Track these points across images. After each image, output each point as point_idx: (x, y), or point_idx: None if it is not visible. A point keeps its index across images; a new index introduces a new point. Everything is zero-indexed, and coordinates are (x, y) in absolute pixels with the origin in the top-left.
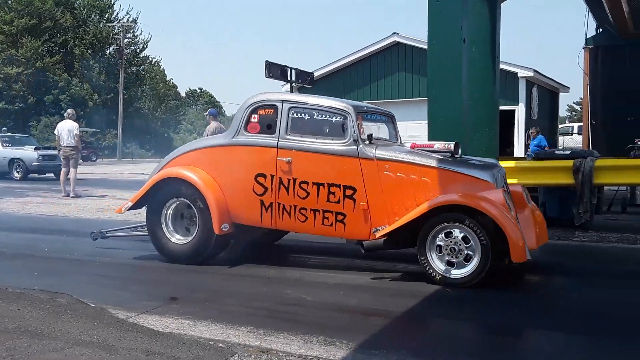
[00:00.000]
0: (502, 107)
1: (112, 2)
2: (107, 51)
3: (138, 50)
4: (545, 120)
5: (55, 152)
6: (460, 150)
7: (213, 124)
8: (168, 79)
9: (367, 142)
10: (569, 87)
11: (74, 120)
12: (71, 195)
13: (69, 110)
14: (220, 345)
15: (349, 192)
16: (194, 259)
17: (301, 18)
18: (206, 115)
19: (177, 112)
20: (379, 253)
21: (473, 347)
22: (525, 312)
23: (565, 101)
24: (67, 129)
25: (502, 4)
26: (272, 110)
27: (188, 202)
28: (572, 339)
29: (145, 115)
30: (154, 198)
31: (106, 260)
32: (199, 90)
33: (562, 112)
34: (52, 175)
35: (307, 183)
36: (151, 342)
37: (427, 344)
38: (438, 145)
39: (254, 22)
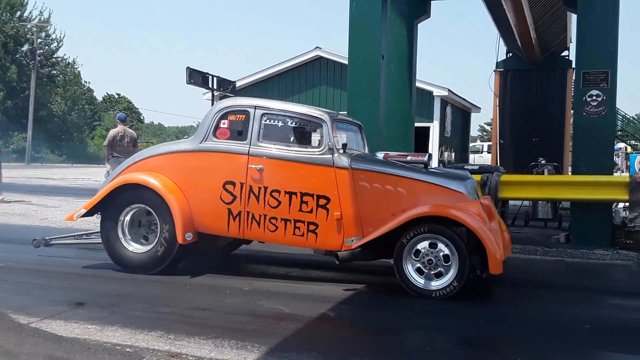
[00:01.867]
0: (417, 124)
1: (25, 1)
2: (21, 50)
3: (52, 51)
4: (458, 138)
5: None
6: (432, 162)
7: (118, 127)
8: (84, 82)
9: (341, 151)
10: (480, 108)
11: None
12: None
13: None
14: (128, 350)
15: (322, 201)
16: (153, 268)
17: (226, 28)
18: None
19: (93, 117)
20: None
21: (385, 352)
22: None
23: (476, 121)
24: None
25: (418, 25)
26: (244, 116)
27: (149, 209)
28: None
29: (58, 120)
30: (110, 205)
31: (9, 264)
32: (116, 96)
33: (474, 131)
34: None
35: (278, 192)
36: (54, 347)
37: (338, 346)
38: (411, 156)
39: (178, 29)
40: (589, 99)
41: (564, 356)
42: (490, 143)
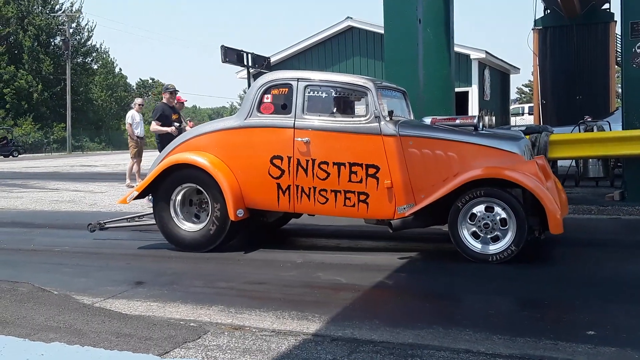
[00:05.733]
0: (456, 89)
1: None
2: (53, 42)
3: (83, 40)
4: (497, 101)
5: None
6: (482, 124)
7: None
8: (117, 69)
9: (388, 118)
10: (519, 68)
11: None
12: None
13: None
14: (192, 324)
15: (371, 170)
16: (207, 246)
17: (257, 3)
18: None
19: (129, 103)
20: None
21: (448, 317)
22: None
23: (515, 83)
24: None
25: None
26: (287, 89)
27: (199, 188)
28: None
29: (96, 108)
30: (161, 185)
31: (65, 249)
32: (150, 81)
33: (512, 94)
34: None
35: (327, 163)
36: (120, 324)
37: (399, 313)
38: (460, 119)
39: (208, 10)
40: (638, 50)
41: (633, 315)
42: (531, 104)
